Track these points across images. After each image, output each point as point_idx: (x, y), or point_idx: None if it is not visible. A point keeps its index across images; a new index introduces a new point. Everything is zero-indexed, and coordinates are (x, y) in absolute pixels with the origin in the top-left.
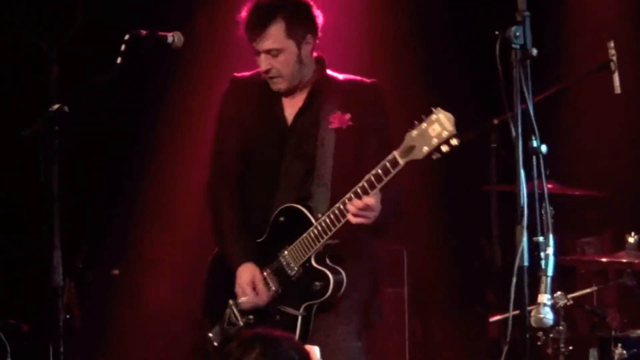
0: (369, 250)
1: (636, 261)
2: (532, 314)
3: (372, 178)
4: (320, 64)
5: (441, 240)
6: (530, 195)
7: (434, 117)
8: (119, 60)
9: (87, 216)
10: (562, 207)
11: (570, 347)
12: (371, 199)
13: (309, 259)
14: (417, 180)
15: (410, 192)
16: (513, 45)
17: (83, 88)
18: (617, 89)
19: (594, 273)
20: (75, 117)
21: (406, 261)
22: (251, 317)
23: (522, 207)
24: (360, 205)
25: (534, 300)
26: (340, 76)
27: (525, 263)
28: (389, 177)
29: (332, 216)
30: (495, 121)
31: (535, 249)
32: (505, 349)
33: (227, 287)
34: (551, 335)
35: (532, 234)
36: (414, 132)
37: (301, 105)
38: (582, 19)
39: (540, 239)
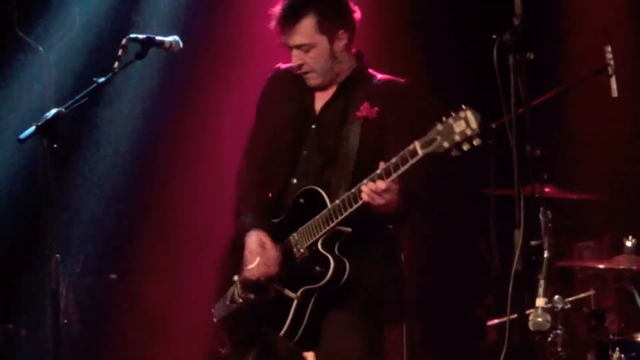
0: (389, 246)
1: (634, 265)
2: (530, 317)
3: (390, 166)
4: (360, 60)
5: (440, 244)
6: (528, 199)
7: (461, 114)
8: (116, 65)
9: (86, 221)
10: (560, 211)
11: (568, 351)
12: (384, 184)
13: (316, 242)
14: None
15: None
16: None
17: (81, 92)
18: (615, 93)
19: (592, 277)
20: (72, 121)
21: (405, 264)
22: (251, 295)
23: (520, 211)
24: (373, 188)
25: (532, 304)
26: (378, 75)
27: (523, 267)
28: (406, 166)
29: (345, 200)
30: (493, 125)
31: (533, 253)
32: (504, 352)
33: (237, 265)
34: (549, 338)
35: (530, 238)
36: (439, 126)
37: (330, 97)
38: (580, 23)
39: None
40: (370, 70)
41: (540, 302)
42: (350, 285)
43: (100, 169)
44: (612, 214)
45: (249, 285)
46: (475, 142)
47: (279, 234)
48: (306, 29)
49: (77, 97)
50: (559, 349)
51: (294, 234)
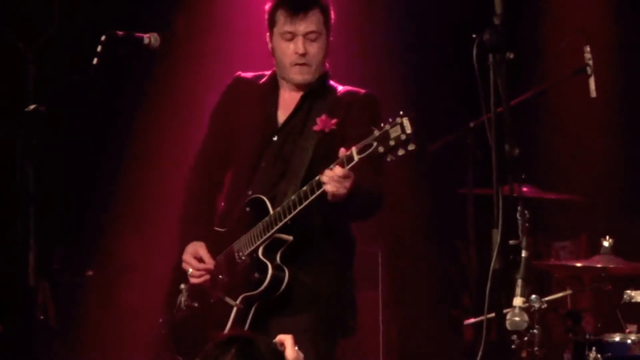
0: (338, 255)
1: (611, 265)
2: (508, 317)
3: (339, 164)
4: (325, 70)
5: (417, 243)
6: (506, 198)
7: (398, 120)
8: (95, 61)
9: (63, 218)
10: (538, 210)
11: (545, 351)
12: (343, 170)
13: (256, 249)
14: (393, 183)
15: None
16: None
17: (60, 89)
18: (593, 93)
19: (569, 277)
20: (51, 117)
21: (381, 264)
22: (195, 303)
23: (498, 211)
24: (340, 173)
25: (509, 304)
26: (340, 87)
27: (501, 266)
28: (343, 171)
29: (286, 205)
30: (472, 124)
31: (511, 253)
32: (481, 351)
33: (184, 276)
34: (526, 338)
35: (508, 237)
36: (376, 132)
37: (294, 108)
38: (559, 23)
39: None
40: (332, 82)
41: (517, 301)
42: (297, 294)
43: (77, 166)
44: (589, 215)
45: (194, 293)
46: (410, 147)
47: (224, 243)
48: (317, 18)
49: (56, 93)
50: (536, 349)
51: (238, 241)
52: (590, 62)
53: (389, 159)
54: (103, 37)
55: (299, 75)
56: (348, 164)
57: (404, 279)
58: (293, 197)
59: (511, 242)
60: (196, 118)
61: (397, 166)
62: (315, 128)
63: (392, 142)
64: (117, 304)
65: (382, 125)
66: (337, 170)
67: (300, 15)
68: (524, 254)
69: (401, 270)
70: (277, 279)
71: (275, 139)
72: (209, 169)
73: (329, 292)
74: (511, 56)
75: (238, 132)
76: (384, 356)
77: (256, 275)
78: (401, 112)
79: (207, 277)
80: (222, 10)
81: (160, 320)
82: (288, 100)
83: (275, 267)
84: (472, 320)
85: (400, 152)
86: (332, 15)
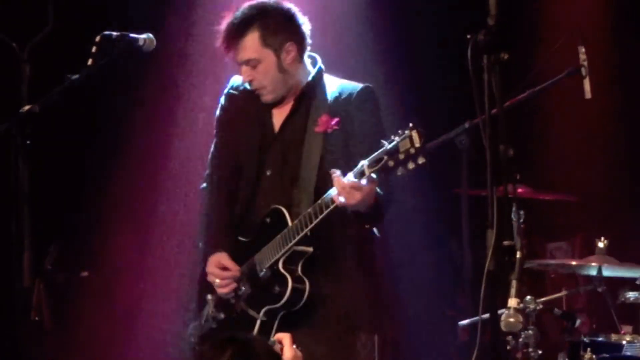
0: (360, 262)
1: (606, 266)
2: (502, 317)
3: (354, 174)
4: (315, 67)
5: (411, 244)
6: (501, 199)
7: (407, 132)
8: (89, 61)
9: (57, 218)
10: (533, 211)
11: (540, 352)
12: (352, 181)
13: (277, 262)
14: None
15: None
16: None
17: (54, 89)
18: (588, 94)
19: (564, 277)
20: (46, 118)
21: None
22: (221, 314)
23: (493, 212)
24: (352, 184)
25: (504, 304)
26: (335, 80)
27: (495, 267)
28: (355, 184)
29: (302, 218)
30: (467, 124)
31: (505, 253)
32: (475, 353)
33: (211, 285)
34: (520, 339)
35: (502, 238)
36: (386, 145)
37: (289, 111)
38: (555, 23)
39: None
40: (327, 77)
41: (512, 302)
42: (321, 304)
43: (73, 166)
44: (584, 215)
45: (220, 303)
46: (420, 160)
47: (245, 253)
48: (251, 44)
49: (51, 94)
50: (531, 350)
51: (258, 254)
52: (585, 63)
53: (399, 173)
54: (97, 38)
55: (261, 97)
56: (359, 179)
57: (398, 278)
58: (309, 210)
59: (506, 242)
60: (190, 118)
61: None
62: (317, 130)
63: (401, 156)
64: (111, 305)
65: (391, 137)
66: (347, 182)
67: (234, 45)
68: (518, 254)
69: (395, 271)
70: (297, 292)
71: (274, 145)
72: (223, 177)
73: (353, 303)
74: (506, 57)
75: (238, 141)
76: (379, 357)
77: (277, 288)
78: (410, 125)
79: (234, 285)
80: (216, 11)
81: (188, 330)
82: (281, 104)
83: (295, 280)
84: (466, 321)
85: (411, 166)
86: (276, 25)
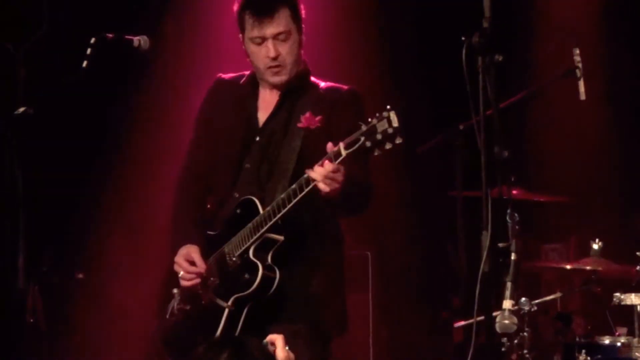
0: (326, 254)
1: (600, 268)
2: (497, 319)
3: (329, 159)
4: (305, 65)
5: (407, 245)
6: (496, 201)
7: (384, 114)
8: (85, 63)
9: (52, 220)
10: (528, 213)
11: (535, 353)
12: (333, 165)
13: (247, 250)
14: (383, 184)
15: (376, 196)
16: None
17: (49, 91)
18: (583, 95)
19: (558, 279)
20: (41, 120)
21: (371, 266)
22: (187, 306)
23: (487, 213)
24: (331, 168)
25: (498, 306)
26: (322, 83)
27: (490, 269)
28: (332, 167)
29: (275, 204)
30: (461, 127)
31: (500, 255)
32: (470, 354)
33: (177, 281)
34: (515, 341)
35: (497, 239)
36: (363, 127)
37: (274, 107)
38: (549, 25)
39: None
40: (314, 79)
41: (507, 304)
42: (289, 295)
43: (67, 167)
44: (578, 217)
45: (185, 296)
46: (397, 140)
47: (215, 245)
48: (285, 16)
49: (46, 95)
50: (526, 351)
51: (227, 243)
52: (580, 65)
53: (376, 153)
54: (93, 40)
55: (275, 77)
56: (336, 160)
57: (394, 281)
58: (282, 196)
59: (501, 244)
60: (185, 121)
61: (386, 168)
62: (300, 125)
63: (379, 136)
64: (107, 307)
65: (369, 120)
66: (327, 166)
67: (267, 18)
68: (513, 256)
69: (391, 273)
70: (267, 279)
71: (257, 139)
72: (198, 173)
73: (321, 293)
74: (500, 59)
75: (220, 135)
76: (374, 358)
77: (246, 276)
78: (388, 107)
79: (198, 280)
80: (211, 12)
81: (155, 326)
82: (268, 100)
83: (266, 267)
84: (462, 322)
85: (388, 146)
86: (302, 8)
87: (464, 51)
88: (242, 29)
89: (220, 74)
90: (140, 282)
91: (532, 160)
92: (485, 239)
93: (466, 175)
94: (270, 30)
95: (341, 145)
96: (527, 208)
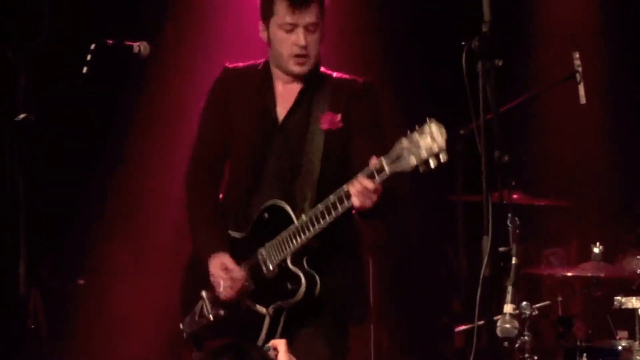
0: (352, 254)
1: (601, 272)
2: (498, 323)
3: (367, 175)
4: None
5: (407, 250)
6: (496, 205)
7: (426, 128)
8: (85, 69)
9: (53, 226)
10: (528, 217)
11: (536, 357)
12: (371, 183)
13: (285, 259)
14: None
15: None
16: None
17: (49, 97)
18: (583, 100)
19: (559, 283)
20: (41, 125)
21: (372, 271)
22: (222, 311)
23: (488, 218)
24: (360, 188)
25: (499, 310)
26: (334, 74)
27: (491, 273)
28: (373, 183)
29: (313, 215)
30: (462, 131)
31: (501, 259)
32: (471, 358)
33: (202, 281)
34: (517, 345)
35: (498, 244)
36: (405, 141)
37: (293, 103)
38: (549, 29)
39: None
40: (323, 69)
41: (508, 308)
42: (322, 299)
43: (68, 173)
44: (579, 221)
45: (218, 301)
46: (442, 157)
47: (244, 250)
48: (316, 10)
49: (46, 101)
50: (527, 356)
51: (261, 250)
52: (580, 69)
53: (421, 170)
54: (92, 46)
55: (297, 66)
56: (378, 175)
57: (394, 286)
58: (321, 208)
59: (501, 249)
60: (186, 126)
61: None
62: (322, 127)
63: (423, 153)
64: (108, 312)
65: (408, 132)
66: (367, 183)
67: (304, 6)
68: (514, 260)
69: (392, 277)
70: (310, 287)
71: (278, 135)
72: (210, 164)
73: (347, 294)
74: (500, 63)
75: (236, 125)
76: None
77: (289, 286)
78: (427, 119)
79: (240, 287)
80: (212, 17)
81: (181, 325)
82: (284, 93)
83: (307, 276)
84: (462, 327)
85: (433, 163)
86: (327, 5)
87: (463, 56)
88: (270, 14)
89: (227, 64)
90: (140, 288)
91: (532, 164)
92: (486, 243)
93: (467, 180)
94: (304, 19)
95: (384, 160)
96: (528, 212)
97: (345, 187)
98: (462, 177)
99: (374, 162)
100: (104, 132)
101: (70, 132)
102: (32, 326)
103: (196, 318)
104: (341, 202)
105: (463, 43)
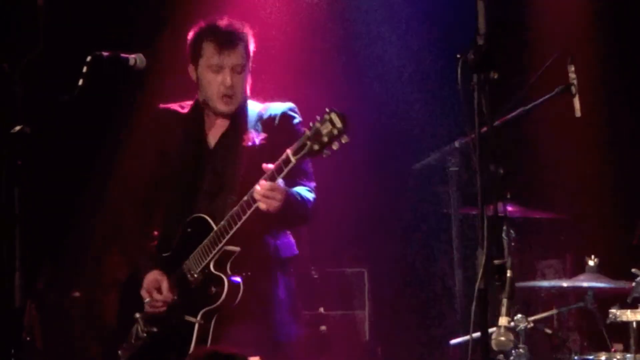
0: (277, 260)
1: (596, 284)
2: (493, 336)
3: (267, 177)
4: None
5: (402, 263)
6: (492, 218)
7: (326, 116)
8: (80, 81)
9: (48, 238)
10: (523, 230)
11: None
12: (269, 183)
13: (208, 265)
14: (378, 202)
15: (372, 213)
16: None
17: (45, 109)
18: (578, 112)
19: (554, 296)
20: (37, 138)
21: (367, 284)
22: (154, 328)
23: (483, 230)
24: (267, 187)
25: (495, 323)
26: (262, 104)
27: (486, 286)
28: (282, 174)
29: (229, 218)
30: (457, 144)
31: (496, 272)
32: None
33: (137, 305)
34: (511, 358)
35: (493, 256)
36: (308, 132)
37: (225, 129)
38: (544, 42)
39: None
40: (252, 101)
41: (503, 321)
42: (247, 302)
43: (63, 186)
44: (574, 234)
45: (150, 319)
46: (343, 139)
47: (172, 265)
48: (242, 52)
49: (42, 114)
50: None
51: (186, 262)
52: (575, 82)
53: (324, 155)
54: (88, 58)
55: (224, 105)
56: (286, 167)
57: (389, 298)
58: (236, 209)
59: (496, 261)
60: None
61: (382, 185)
62: (244, 143)
63: (325, 138)
64: (103, 325)
65: (310, 124)
66: (267, 185)
67: (231, 48)
68: (509, 273)
69: (387, 290)
70: (233, 288)
71: (209, 158)
72: (141, 200)
73: (273, 299)
74: (495, 76)
75: (168, 161)
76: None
77: (213, 289)
78: (327, 109)
79: (164, 308)
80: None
81: (119, 352)
82: (214, 128)
83: (229, 277)
84: (457, 339)
85: (335, 147)
86: (254, 47)
87: (459, 68)
88: (199, 56)
89: (160, 104)
90: None
91: (527, 177)
92: (481, 256)
93: (462, 193)
94: (230, 60)
95: (289, 151)
96: (523, 225)
97: (251, 191)
98: (457, 190)
99: (265, 166)
100: (100, 144)
101: (65, 145)
102: (28, 338)
103: (132, 341)
104: (249, 206)
105: (458, 56)
